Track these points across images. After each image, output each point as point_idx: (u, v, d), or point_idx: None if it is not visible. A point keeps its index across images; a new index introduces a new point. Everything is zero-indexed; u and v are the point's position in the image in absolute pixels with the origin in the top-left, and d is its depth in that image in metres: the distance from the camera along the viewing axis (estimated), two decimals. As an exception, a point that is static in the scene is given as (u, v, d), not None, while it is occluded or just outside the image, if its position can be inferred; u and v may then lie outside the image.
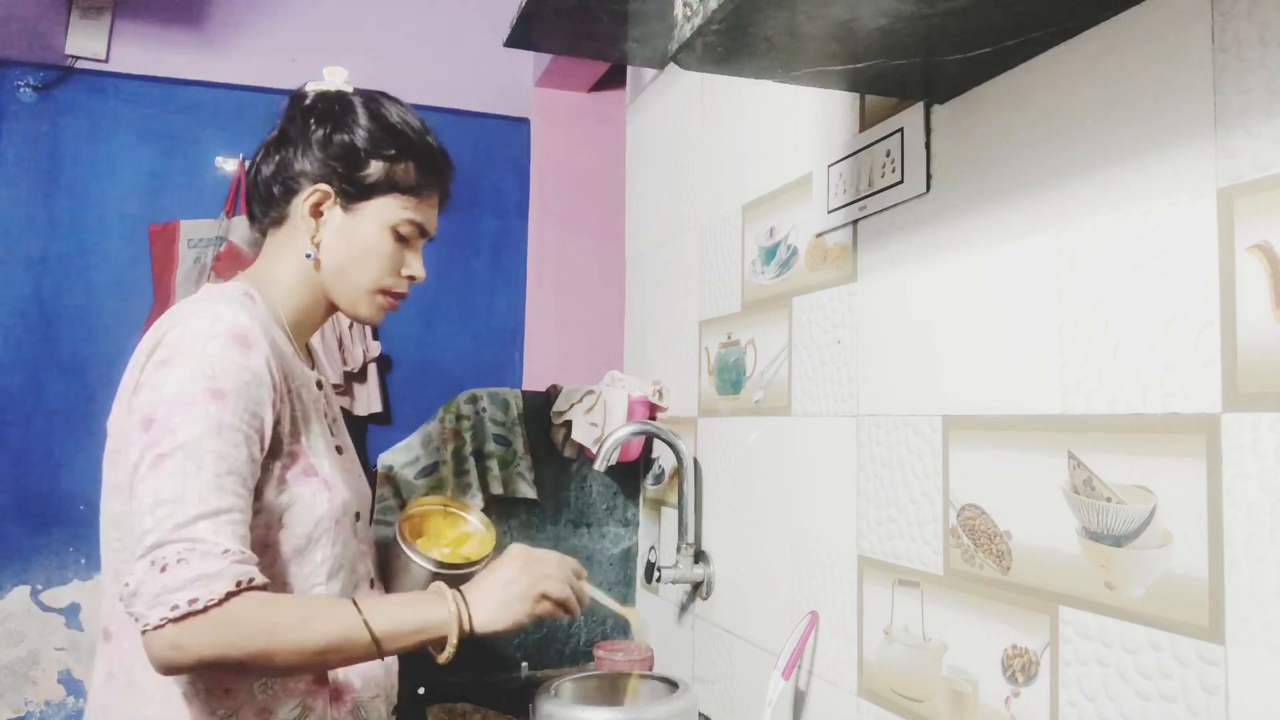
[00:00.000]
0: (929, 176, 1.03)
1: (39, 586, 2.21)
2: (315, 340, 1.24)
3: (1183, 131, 0.73)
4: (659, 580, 1.56)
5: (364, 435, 2.41)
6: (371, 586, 1.16)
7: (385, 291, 1.12)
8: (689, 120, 1.72)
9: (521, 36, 1.62)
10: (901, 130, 1.07)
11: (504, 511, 1.82)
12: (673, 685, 1.38)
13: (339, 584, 1.06)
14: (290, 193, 1.10)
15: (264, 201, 1.12)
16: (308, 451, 1.05)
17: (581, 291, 2.70)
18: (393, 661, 1.14)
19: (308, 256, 1.10)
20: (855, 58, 0.90)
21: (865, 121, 1.16)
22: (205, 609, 0.86)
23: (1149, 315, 0.76)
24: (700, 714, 1.44)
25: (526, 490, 1.82)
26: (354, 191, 1.09)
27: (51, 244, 2.28)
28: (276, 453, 1.00)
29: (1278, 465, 0.65)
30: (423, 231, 1.14)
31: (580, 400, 1.78)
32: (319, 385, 1.15)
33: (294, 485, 1.02)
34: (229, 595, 0.87)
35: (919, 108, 1.04)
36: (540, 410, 1.88)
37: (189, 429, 0.91)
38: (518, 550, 1.09)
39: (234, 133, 2.39)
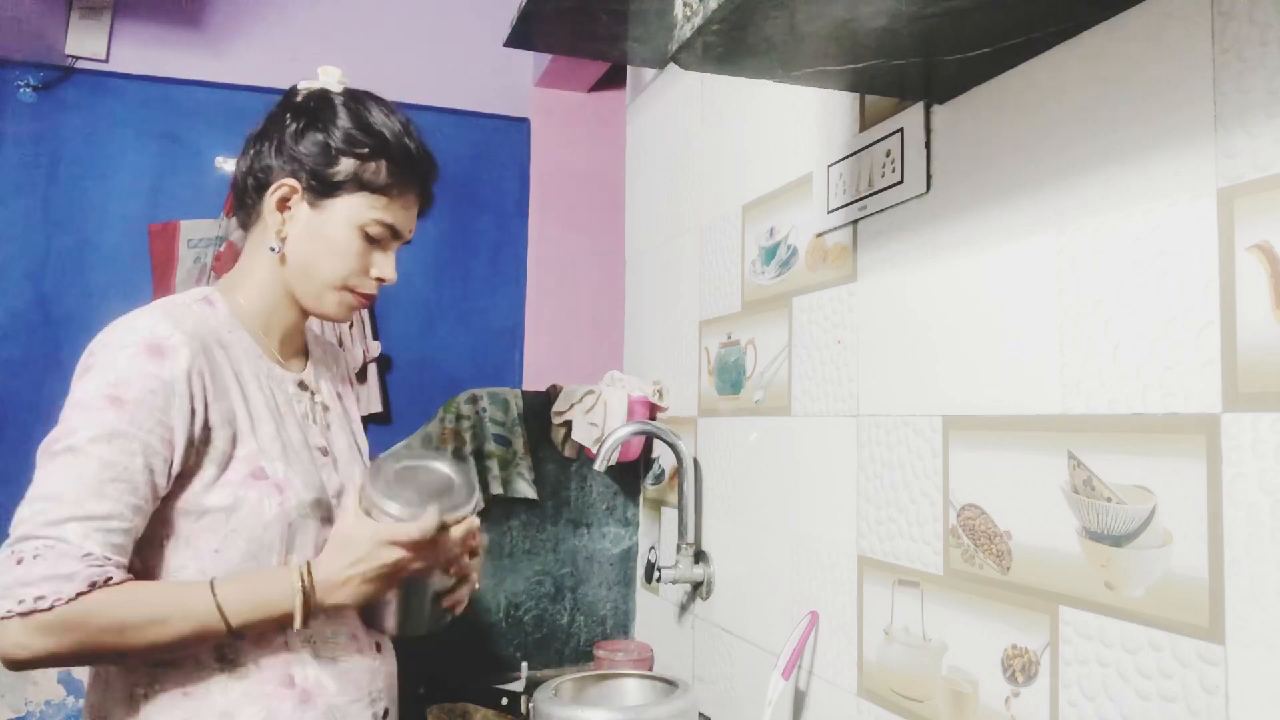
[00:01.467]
0: (929, 176, 1.03)
1: (39, 586, 2.21)
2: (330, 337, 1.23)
3: (1183, 131, 0.73)
4: (659, 580, 1.56)
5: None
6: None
7: (351, 290, 1.10)
8: (689, 120, 1.72)
9: (521, 36, 1.62)
10: (901, 130, 1.07)
11: (504, 511, 1.82)
12: (673, 685, 1.38)
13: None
14: (261, 187, 1.09)
15: (240, 197, 1.12)
16: (256, 454, 1.02)
17: (581, 291, 2.70)
18: (379, 665, 1.11)
19: (271, 250, 1.08)
20: (855, 58, 0.90)
21: (865, 121, 1.16)
22: (51, 607, 0.87)
23: (1149, 315, 0.76)
24: (700, 714, 1.44)
25: (526, 490, 1.82)
26: (321, 188, 1.08)
27: (52, 244, 2.28)
28: (215, 458, 0.99)
29: (1278, 465, 0.65)
30: (395, 234, 1.11)
31: (580, 400, 1.78)
32: (301, 385, 1.14)
33: (239, 489, 0.99)
34: (78, 596, 0.87)
35: (919, 108, 1.04)
36: (540, 410, 1.88)
37: (81, 432, 0.92)
38: (368, 531, 1.01)
39: (234, 133, 2.37)
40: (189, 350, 0.98)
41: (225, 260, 2.19)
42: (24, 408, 2.22)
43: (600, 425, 1.74)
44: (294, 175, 1.08)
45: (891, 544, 1.08)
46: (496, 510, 1.81)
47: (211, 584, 0.95)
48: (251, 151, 1.11)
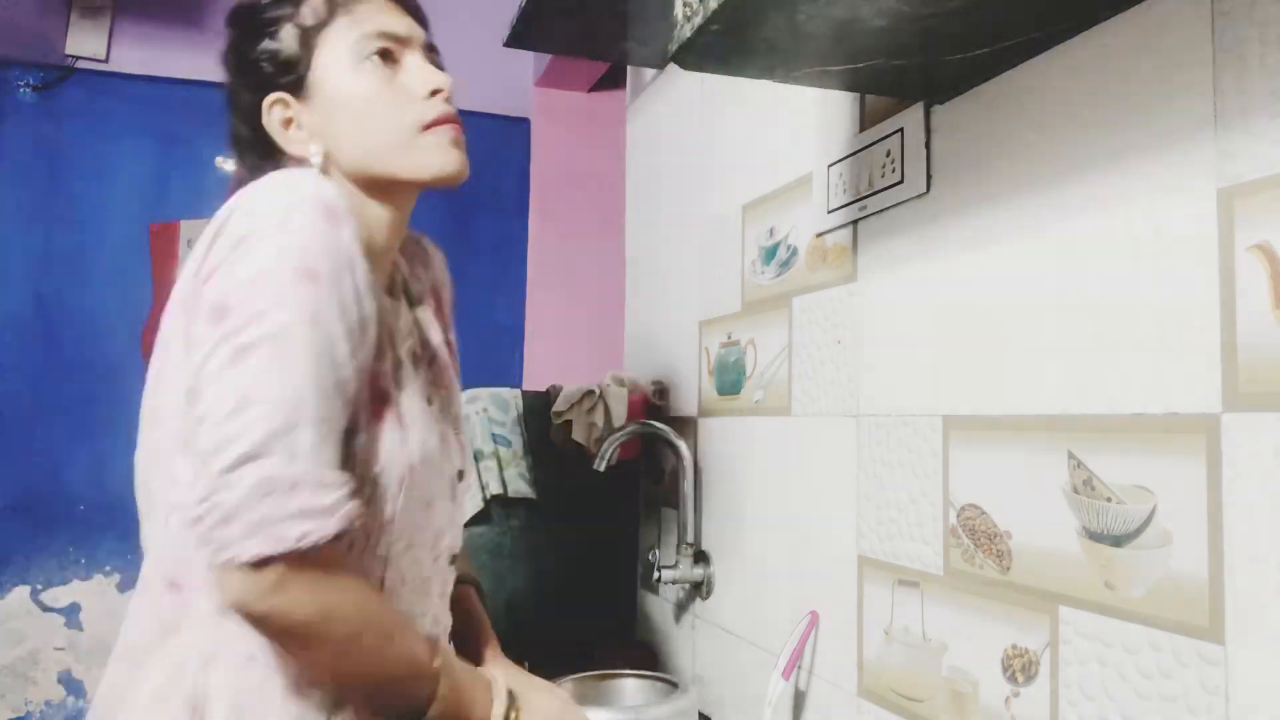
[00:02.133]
0: (929, 176, 1.03)
1: (39, 586, 2.21)
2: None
3: (1183, 131, 0.73)
4: (659, 580, 1.56)
5: (364, 435, 2.41)
6: (453, 561, 0.97)
7: (427, 126, 0.91)
8: (689, 120, 1.72)
9: (521, 36, 1.62)
10: (901, 130, 1.07)
11: (504, 511, 1.82)
12: (673, 685, 1.38)
13: (399, 561, 0.87)
14: (258, 128, 0.93)
15: (251, 146, 0.95)
16: (387, 378, 0.86)
17: (581, 291, 2.70)
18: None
19: (315, 164, 0.89)
20: (855, 58, 0.90)
21: (865, 121, 1.16)
22: (316, 547, 0.70)
23: (1149, 315, 0.76)
24: (700, 714, 1.44)
25: (526, 490, 1.82)
26: (291, 71, 0.91)
27: (52, 244, 2.28)
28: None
29: (1278, 465, 0.65)
30: (397, 39, 0.92)
31: (580, 400, 1.78)
32: (416, 326, 0.97)
33: (370, 418, 0.83)
34: (338, 537, 0.72)
35: (919, 108, 1.04)
36: (540, 410, 1.88)
37: (278, 315, 0.72)
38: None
39: (234, 133, 2.39)
40: (357, 222, 0.81)
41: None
42: (24, 408, 2.22)
43: (600, 425, 1.74)
44: (267, 88, 0.91)
45: (891, 544, 1.08)
46: (496, 510, 1.81)
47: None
48: (232, 110, 0.97)
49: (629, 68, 2.07)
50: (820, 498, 1.23)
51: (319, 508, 0.70)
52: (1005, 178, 0.92)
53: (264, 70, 0.91)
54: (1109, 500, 0.78)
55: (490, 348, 2.64)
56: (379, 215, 0.92)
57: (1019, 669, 0.88)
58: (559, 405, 1.82)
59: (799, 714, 1.25)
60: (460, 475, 0.97)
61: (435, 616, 0.94)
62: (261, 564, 0.69)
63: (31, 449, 2.21)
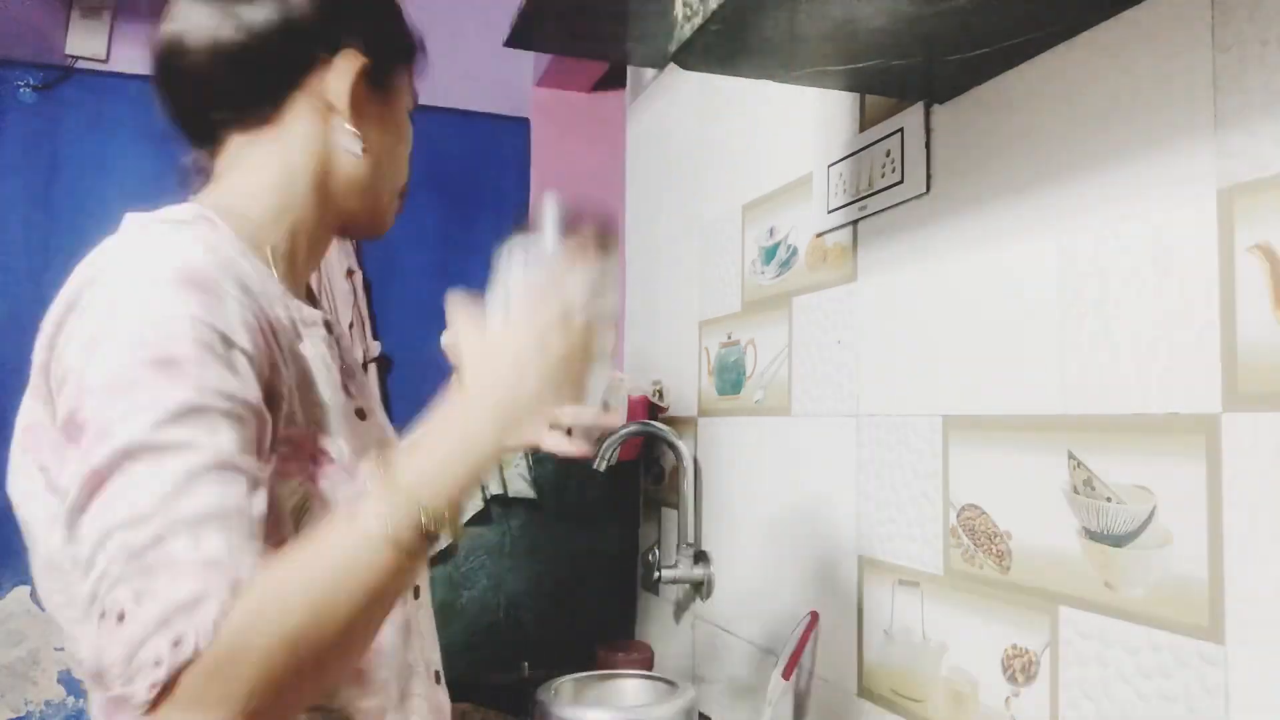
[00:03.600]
0: (929, 176, 1.03)
1: (39, 586, 2.21)
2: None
3: (1183, 131, 0.73)
4: (659, 580, 1.56)
5: (364, 435, 2.41)
6: (416, 597, 0.86)
7: (400, 192, 0.88)
8: (689, 120, 1.72)
9: (521, 36, 1.62)
10: (901, 130, 1.07)
11: (504, 511, 1.82)
12: (672, 685, 1.38)
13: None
14: (295, 68, 0.78)
15: (233, 88, 0.79)
16: (316, 431, 0.74)
17: (581, 291, 2.70)
18: (445, 699, 0.94)
19: (355, 155, 0.80)
20: (855, 58, 0.90)
21: (865, 121, 1.16)
22: (195, 653, 0.55)
23: (1149, 315, 0.76)
24: (700, 714, 1.44)
25: (526, 490, 1.82)
26: (389, 57, 0.82)
27: (52, 244, 2.28)
28: (272, 440, 0.69)
29: (1278, 465, 0.65)
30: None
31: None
32: (328, 327, 0.82)
33: (304, 479, 0.72)
34: (225, 615, 0.56)
35: (919, 108, 1.04)
36: (540, 410, 1.88)
37: (130, 422, 0.60)
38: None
39: (234, 133, 2.39)
40: (237, 286, 0.68)
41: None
42: (24, 408, 2.22)
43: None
44: (353, 45, 0.79)
45: (891, 544, 1.08)
46: (496, 510, 1.81)
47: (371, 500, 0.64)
48: (243, 15, 0.77)
49: (629, 68, 2.07)
50: (820, 498, 1.23)
51: (183, 602, 0.56)
52: (1005, 178, 0.92)
53: (358, 24, 0.79)
54: (1109, 500, 0.78)
55: (490, 348, 2.64)
56: (323, 232, 0.84)
57: (1019, 669, 0.88)
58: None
59: (799, 714, 1.25)
60: None
61: (423, 649, 0.85)
62: (155, 705, 0.55)
63: (31, 449, 2.21)
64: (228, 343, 0.65)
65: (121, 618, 0.56)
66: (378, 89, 0.82)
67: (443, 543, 0.65)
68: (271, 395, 0.68)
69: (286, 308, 0.76)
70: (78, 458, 0.61)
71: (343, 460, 0.75)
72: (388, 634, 0.77)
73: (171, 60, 0.83)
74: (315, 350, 0.77)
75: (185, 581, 0.56)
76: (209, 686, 0.56)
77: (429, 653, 0.87)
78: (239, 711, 0.56)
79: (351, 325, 2.33)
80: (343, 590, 0.60)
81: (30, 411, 0.72)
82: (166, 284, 0.65)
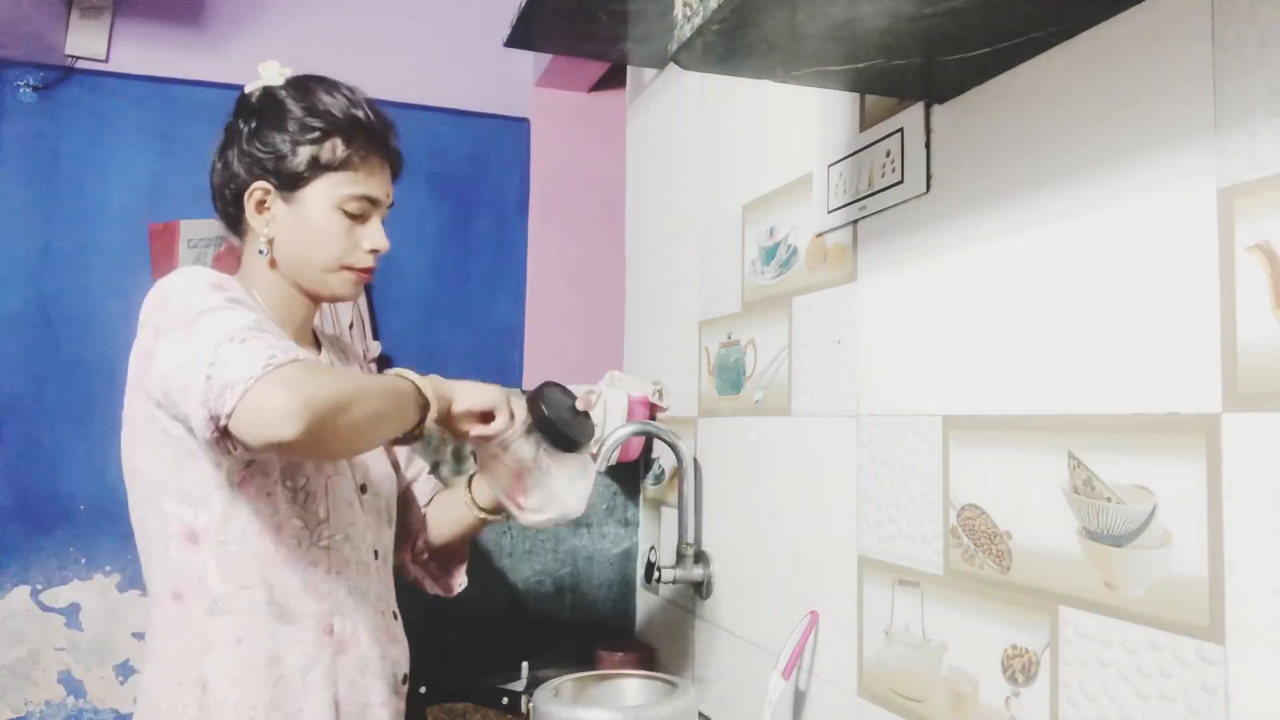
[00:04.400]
0: (929, 176, 1.03)
1: (39, 586, 2.21)
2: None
3: (1183, 131, 0.73)
4: (659, 580, 1.56)
5: (364, 435, 2.41)
6: (377, 558, 1.19)
7: (349, 267, 1.13)
8: (689, 120, 1.72)
9: (521, 36, 1.62)
10: (901, 130, 1.07)
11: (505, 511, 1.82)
12: (673, 685, 1.38)
13: (340, 548, 1.11)
14: (238, 196, 1.13)
15: (223, 209, 1.17)
16: None
17: (581, 291, 2.70)
18: (399, 630, 1.20)
19: (260, 253, 1.12)
20: (855, 58, 0.90)
21: (865, 121, 1.16)
22: (284, 364, 0.89)
23: (1149, 315, 0.76)
24: (700, 714, 1.44)
25: (526, 490, 1.82)
26: (288, 181, 1.11)
27: (51, 244, 2.28)
28: None
29: (1278, 465, 0.65)
30: (373, 202, 1.14)
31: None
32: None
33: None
34: (293, 360, 0.90)
35: (919, 108, 1.04)
36: (540, 410, 1.88)
37: (204, 300, 0.96)
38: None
39: (234, 133, 2.39)
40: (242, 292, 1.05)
41: (225, 260, 2.19)
42: (24, 408, 2.22)
43: (600, 425, 1.74)
44: (261, 177, 1.11)
45: (891, 544, 1.08)
46: (496, 510, 1.81)
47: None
48: (219, 164, 1.15)
49: (629, 68, 2.07)
50: (820, 498, 1.23)
51: (277, 348, 0.90)
52: (1005, 178, 0.92)
53: (264, 162, 1.11)
54: (1109, 500, 0.78)
55: (490, 347, 2.64)
56: (297, 298, 1.16)
57: (1019, 669, 0.88)
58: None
59: (799, 714, 1.25)
60: (363, 489, 1.16)
61: (378, 594, 1.17)
62: (260, 379, 0.87)
63: (31, 449, 2.20)
64: (257, 324, 0.96)
65: (229, 360, 0.88)
66: (287, 202, 1.12)
67: (429, 416, 1.03)
68: None
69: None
70: (165, 337, 0.97)
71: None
72: (336, 579, 1.11)
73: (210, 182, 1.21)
74: None
75: (270, 344, 0.91)
76: (289, 378, 0.88)
77: (382, 600, 1.19)
78: (300, 398, 0.87)
79: (351, 325, 2.33)
80: (373, 393, 0.96)
81: (132, 402, 1.08)
82: (203, 278, 1.02)
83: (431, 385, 1.05)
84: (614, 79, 2.66)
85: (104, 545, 2.23)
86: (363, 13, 2.56)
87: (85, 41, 2.32)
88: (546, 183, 2.70)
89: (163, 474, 1.04)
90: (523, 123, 2.69)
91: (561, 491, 1.17)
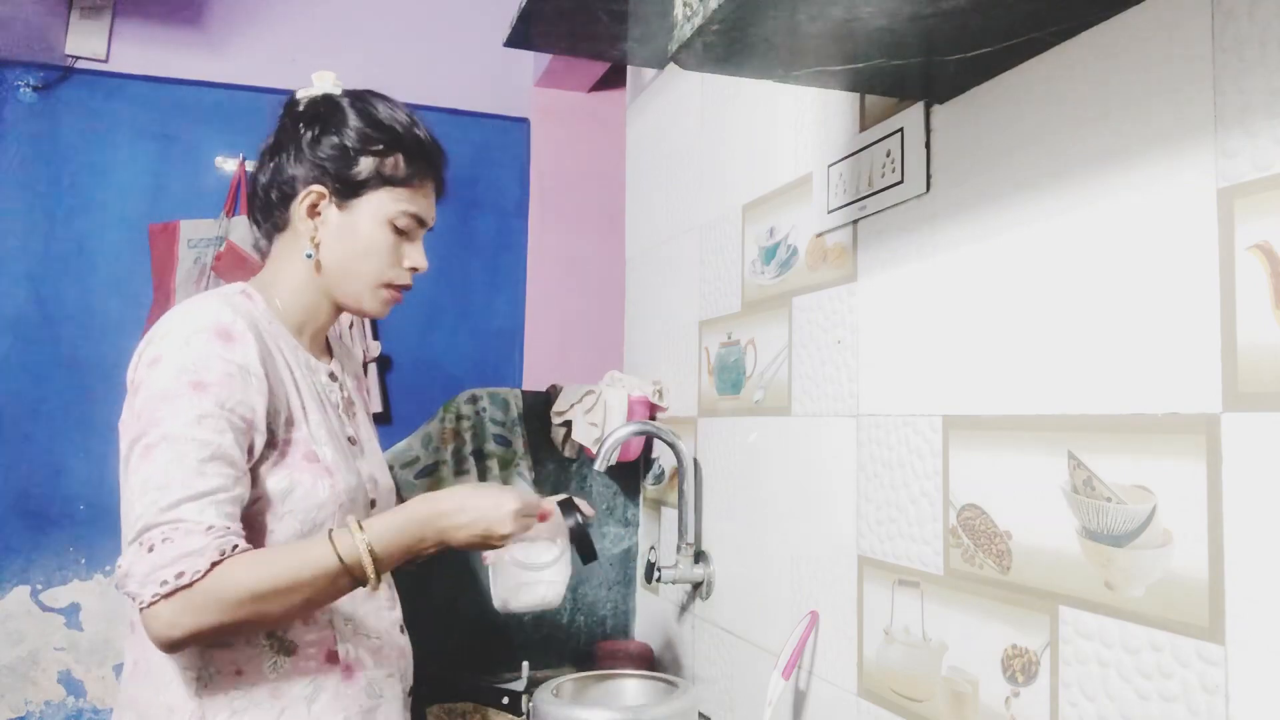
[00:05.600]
0: (929, 176, 1.03)
1: (39, 586, 2.21)
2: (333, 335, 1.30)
3: (1183, 131, 0.73)
4: (659, 580, 1.56)
5: (364, 435, 2.41)
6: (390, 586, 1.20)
7: (388, 285, 1.15)
8: (689, 120, 1.72)
9: (521, 36, 1.62)
10: (901, 130, 1.07)
11: (504, 511, 1.82)
12: (673, 685, 1.38)
13: None
14: (287, 198, 1.13)
15: (264, 209, 1.16)
16: (308, 439, 1.08)
17: (581, 291, 2.70)
18: (405, 644, 1.19)
19: (308, 257, 1.13)
20: (855, 58, 0.90)
21: (865, 121, 1.16)
22: (191, 583, 0.90)
23: (1149, 315, 0.76)
24: (700, 714, 1.44)
25: (527, 491, 1.82)
26: (347, 189, 1.12)
27: (52, 244, 2.28)
28: (273, 442, 1.04)
29: (1278, 465, 0.65)
30: (420, 222, 1.16)
31: (580, 400, 1.78)
32: (331, 376, 1.19)
33: (294, 471, 1.05)
34: (213, 566, 0.91)
35: (919, 108, 1.04)
36: (540, 410, 1.88)
37: (172, 420, 0.96)
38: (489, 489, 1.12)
39: (234, 133, 2.40)
40: (253, 335, 1.03)
41: (225, 260, 2.19)
42: (24, 408, 2.22)
43: (600, 425, 1.74)
44: (319, 181, 1.12)
45: (891, 544, 1.08)
46: (496, 510, 1.80)
47: (342, 533, 0.99)
48: (270, 164, 1.15)
49: (629, 68, 2.07)
50: (820, 498, 1.23)
51: (192, 551, 0.91)
52: (1005, 178, 0.92)
53: (325, 166, 1.12)
54: (1109, 500, 0.78)
55: (490, 348, 2.64)
56: (324, 306, 1.17)
57: (1019, 669, 0.88)
58: (559, 405, 1.82)
59: (799, 714, 1.25)
60: (373, 503, 1.17)
61: (384, 610, 1.15)
62: (152, 604, 0.90)
63: (31, 449, 2.21)
64: (245, 371, 1.01)
65: (151, 549, 0.91)
66: (341, 209, 1.12)
67: (369, 582, 0.99)
68: (274, 405, 1.04)
69: (295, 356, 1.12)
70: (134, 434, 0.97)
71: (325, 463, 1.08)
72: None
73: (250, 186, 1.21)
74: (312, 387, 1.13)
75: (193, 538, 0.92)
76: (192, 603, 0.91)
77: (389, 613, 1.18)
78: (204, 623, 0.91)
79: (351, 325, 2.33)
80: (297, 580, 0.96)
81: (123, 421, 1.05)
82: (204, 332, 1.00)
83: (397, 537, 1.01)
84: (614, 79, 2.66)
85: (104, 545, 2.23)
86: (362, 13, 2.56)
87: (85, 41, 2.32)
88: (546, 183, 2.70)
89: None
90: (523, 123, 2.69)
91: (544, 584, 1.20)
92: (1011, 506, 0.90)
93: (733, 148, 1.54)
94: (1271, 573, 0.65)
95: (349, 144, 1.12)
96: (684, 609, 1.67)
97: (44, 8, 2.29)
